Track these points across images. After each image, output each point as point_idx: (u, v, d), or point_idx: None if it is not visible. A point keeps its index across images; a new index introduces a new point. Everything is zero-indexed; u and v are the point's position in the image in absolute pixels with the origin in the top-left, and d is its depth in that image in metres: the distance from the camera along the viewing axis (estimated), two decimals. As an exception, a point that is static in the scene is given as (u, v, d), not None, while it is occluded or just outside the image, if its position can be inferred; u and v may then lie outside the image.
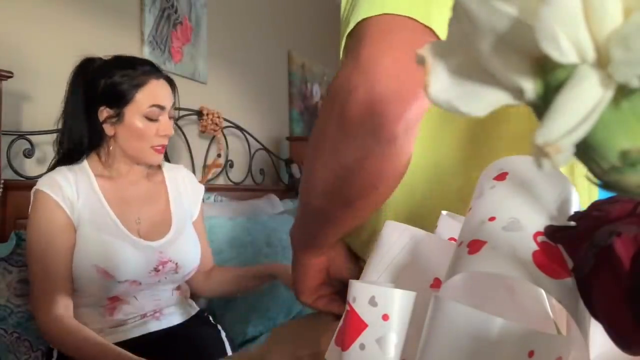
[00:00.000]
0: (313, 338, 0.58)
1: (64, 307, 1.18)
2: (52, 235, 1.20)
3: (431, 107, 0.62)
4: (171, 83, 1.37)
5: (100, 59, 1.34)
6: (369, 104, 0.49)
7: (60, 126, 1.32)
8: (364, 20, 0.51)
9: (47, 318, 1.16)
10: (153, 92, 1.30)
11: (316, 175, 0.57)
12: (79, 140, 1.29)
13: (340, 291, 0.69)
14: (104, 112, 1.28)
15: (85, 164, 1.30)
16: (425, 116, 0.62)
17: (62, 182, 1.23)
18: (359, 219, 0.59)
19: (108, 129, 1.28)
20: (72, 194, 1.23)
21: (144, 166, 1.37)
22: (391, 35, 0.50)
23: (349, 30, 0.53)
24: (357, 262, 0.69)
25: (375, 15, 0.51)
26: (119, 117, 1.28)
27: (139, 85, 1.29)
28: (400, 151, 0.51)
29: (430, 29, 0.50)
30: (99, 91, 1.28)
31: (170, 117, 1.35)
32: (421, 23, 0.50)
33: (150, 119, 1.29)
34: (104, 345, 1.14)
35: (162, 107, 1.31)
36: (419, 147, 0.62)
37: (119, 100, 1.27)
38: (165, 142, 1.33)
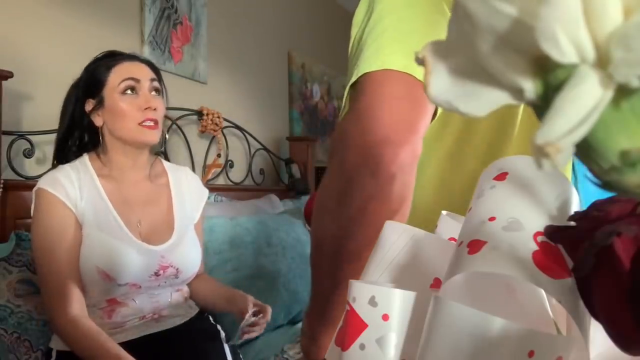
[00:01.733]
0: None
1: (79, 306, 1.16)
2: (60, 232, 1.18)
3: (442, 155, 0.71)
4: (150, 65, 1.36)
5: None
6: (365, 150, 0.54)
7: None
8: (365, 74, 0.57)
9: (63, 320, 1.13)
10: (124, 68, 1.30)
11: (323, 233, 0.59)
12: (70, 138, 1.31)
13: None
14: (89, 104, 1.29)
15: (87, 162, 1.29)
16: (436, 164, 0.70)
17: (64, 180, 1.21)
18: None
19: (97, 120, 1.29)
20: (75, 193, 1.22)
21: (144, 150, 1.34)
22: (389, 87, 0.56)
23: (351, 82, 0.59)
24: None
25: (376, 70, 0.56)
26: (101, 103, 1.28)
27: (111, 67, 1.29)
28: (399, 190, 0.54)
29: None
30: (82, 85, 1.30)
31: (152, 91, 1.32)
32: (417, 79, 0.55)
33: (128, 94, 1.28)
34: (105, 350, 1.12)
35: (136, 80, 1.29)
36: (432, 193, 0.69)
37: (97, 86, 1.28)
38: (152, 115, 1.29)
